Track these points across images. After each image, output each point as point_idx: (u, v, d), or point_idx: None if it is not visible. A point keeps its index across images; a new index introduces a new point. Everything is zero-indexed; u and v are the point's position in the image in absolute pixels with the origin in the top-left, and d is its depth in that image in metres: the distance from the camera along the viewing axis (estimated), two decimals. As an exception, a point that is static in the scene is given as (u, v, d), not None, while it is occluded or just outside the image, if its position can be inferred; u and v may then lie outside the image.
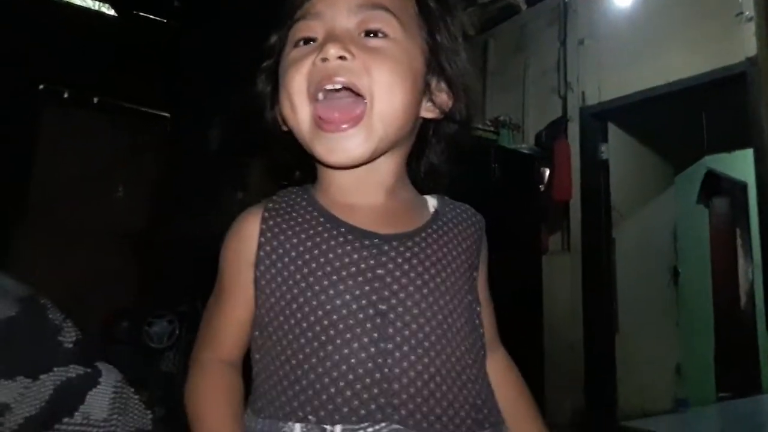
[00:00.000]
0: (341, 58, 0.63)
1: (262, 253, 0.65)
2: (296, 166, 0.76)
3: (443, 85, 0.71)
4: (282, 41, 0.72)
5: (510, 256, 2.80)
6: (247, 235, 0.67)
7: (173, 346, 2.66)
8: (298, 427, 0.58)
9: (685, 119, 3.55)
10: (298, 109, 0.66)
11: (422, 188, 0.76)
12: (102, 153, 3.84)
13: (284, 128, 0.72)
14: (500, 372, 0.74)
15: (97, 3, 4.11)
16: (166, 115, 4.11)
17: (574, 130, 3.42)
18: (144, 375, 2.57)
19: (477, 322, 0.69)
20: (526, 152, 3.37)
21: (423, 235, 0.68)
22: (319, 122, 0.65)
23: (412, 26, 0.69)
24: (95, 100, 3.89)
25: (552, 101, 3.56)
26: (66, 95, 3.78)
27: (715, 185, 4.45)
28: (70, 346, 0.71)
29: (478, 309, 0.70)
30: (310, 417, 0.58)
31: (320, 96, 0.65)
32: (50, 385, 0.68)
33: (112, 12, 4.15)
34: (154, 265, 3.49)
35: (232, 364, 0.68)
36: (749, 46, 2.63)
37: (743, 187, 4.71)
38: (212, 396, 0.66)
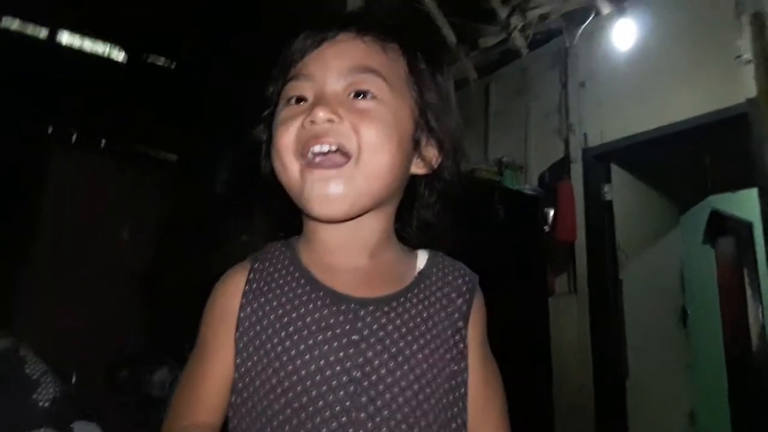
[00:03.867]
0: (329, 121, 0.65)
1: (242, 314, 0.65)
2: (290, 216, 0.75)
3: (433, 141, 0.72)
4: (276, 94, 0.74)
5: (516, 298, 2.78)
6: (230, 294, 0.67)
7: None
8: None
9: (689, 159, 3.56)
10: (288, 166, 0.67)
11: (415, 242, 0.75)
12: (109, 195, 3.87)
13: (279, 179, 0.72)
14: None
15: (108, 46, 4.20)
16: (173, 157, 4.15)
17: (577, 171, 3.43)
18: (146, 424, 2.52)
19: (463, 393, 0.66)
20: (530, 193, 3.37)
21: (402, 299, 0.66)
22: (308, 164, 0.66)
23: (401, 87, 0.70)
24: (103, 142, 3.95)
25: (554, 142, 3.58)
26: (74, 138, 3.83)
27: (720, 225, 4.43)
28: (46, 405, 0.67)
29: (465, 376, 0.66)
30: None
31: (309, 156, 0.66)
32: None
33: (121, 55, 4.24)
34: (158, 308, 3.47)
35: (215, 429, 0.65)
36: (750, 88, 2.65)
37: (748, 226, 4.67)
38: None
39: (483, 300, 0.74)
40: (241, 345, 0.64)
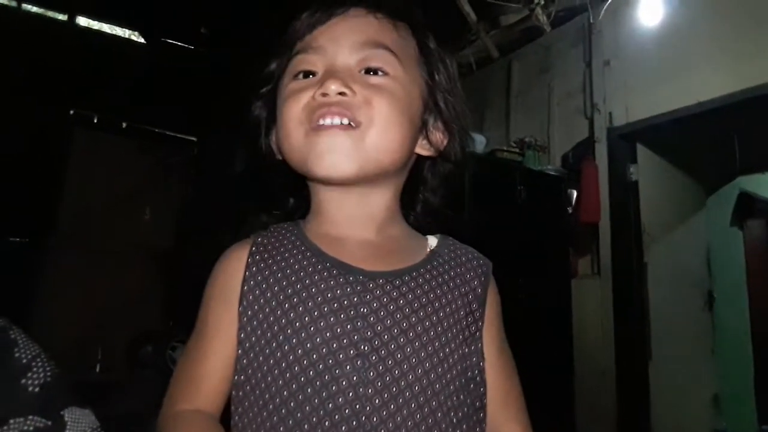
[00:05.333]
0: (341, 93, 0.63)
1: (245, 288, 0.63)
2: (290, 195, 0.74)
3: (439, 124, 0.72)
4: (281, 69, 0.72)
5: (538, 280, 2.75)
6: (233, 270, 0.65)
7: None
8: None
9: (717, 139, 3.47)
10: (292, 132, 0.66)
11: (423, 227, 0.74)
12: (130, 176, 3.91)
13: (278, 157, 0.71)
14: None
15: (127, 31, 4.21)
16: (193, 139, 4.17)
17: (601, 151, 3.36)
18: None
19: (475, 376, 0.64)
20: (553, 174, 3.31)
21: (414, 274, 0.65)
22: (314, 128, 0.64)
23: (411, 66, 0.70)
24: (124, 124, 3.98)
25: (578, 122, 3.51)
26: (96, 120, 3.87)
27: (749, 207, 4.32)
28: (36, 390, 0.63)
29: (481, 364, 0.65)
30: None
31: (315, 126, 0.64)
32: None
33: (141, 39, 4.25)
34: (180, 286, 3.51)
35: (214, 416, 0.62)
36: (783, 65, 2.56)
37: (779, 208, 4.57)
38: None
39: (497, 289, 0.72)
40: (245, 319, 0.62)
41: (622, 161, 3.32)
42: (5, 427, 0.61)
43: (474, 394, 0.63)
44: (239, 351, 0.61)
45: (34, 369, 0.64)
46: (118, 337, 3.38)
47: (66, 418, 0.65)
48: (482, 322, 0.67)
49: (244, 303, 0.62)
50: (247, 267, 0.64)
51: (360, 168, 0.63)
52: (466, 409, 0.61)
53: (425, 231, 0.74)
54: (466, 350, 0.63)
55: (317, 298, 0.60)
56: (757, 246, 4.50)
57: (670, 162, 3.58)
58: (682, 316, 3.49)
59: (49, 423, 0.64)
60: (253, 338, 0.61)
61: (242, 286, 0.63)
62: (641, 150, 3.38)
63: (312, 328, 0.59)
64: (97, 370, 3.58)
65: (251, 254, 0.65)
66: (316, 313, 0.59)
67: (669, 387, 3.23)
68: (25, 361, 0.65)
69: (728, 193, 4.17)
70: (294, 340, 0.59)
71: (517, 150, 3.32)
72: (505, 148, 3.29)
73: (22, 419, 0.62)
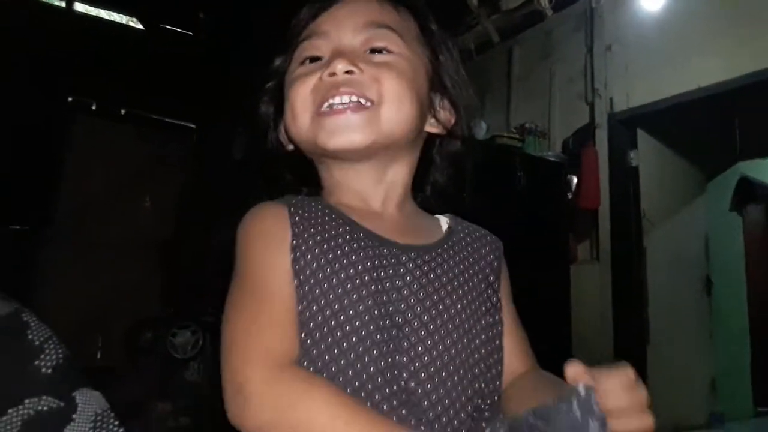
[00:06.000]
0: (349, 72, 0.64)
1: (294, 242, 0.61)
2: (302, 185, 0.73)
3: (446, 103, 0.73)
4: (287, 61, 0.73)
5: (537, 265, 2.75)
6: (280, 222, 0.62)
7: (197, 356, 2.67)
8: None
9: (717, 125, 3.46)
10: (300, 116, 0.66)
11: (432, 208, 0.76)
12: (129, 164, 3.89)
13: (289, 148, 0.72)
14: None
15: (125, 17, 4.18)
16: (192, 126, 4.15)
17: (602, 136, 3.35)
18: (168, 385, 2.58)
19: (497, 344, 0.66)
20: (553, 159, 3.31)
21: (439, 250, 0.67)
22: (321, 113, 0.64)
23: (415, 46, 0.71)
24: (122, 111, 3.95)
25: (579, 108, 3.50)
26: (94, 107, 3.84)
27: (749, 192, 4.32)
28: (49, 372, 0.64)
29: (499, 329, 0.67)
30: None
31: (325, 107, 0.65)
32: (18, 421, 0.61)
33: (139, 26, 4.21)
34: (180, 274, 3.51)
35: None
36: (784, 49, 2.55)
37: (779, 193, 4.57)
38: (329, 399, 0.53)
39: (506, 265, 0.75)
40: (299, 271, 0.60)
41: (623, 147, 3.32)
42: (20, 406, 0.62)
43: (495, 359, 0.66)
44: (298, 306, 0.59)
45: (47, 351, 0.65)
46: (118, 325, 3.39)
47: (77, 400, 0.66)
48: (500, 294, 0.70)
49: (297, 254, 0.60)
50: (293, 223, 0.62)
51: (373, 141, 0.64)
52: (489, 374, 0.64)
53: (430, 212, 0.76)
54: (490, 320, 0.66)
55: (354, 269, 0.60)
56: (756, 231, 4.52)
57: (670, 147, 3.57)
58: (680, 301, 3.51)
59: (62, 404, 0.65)
60: (309, 295, 0.59)
61: (292, 240, 0.61)
62: (642, 135, 3.37)
63: (345, 300, 0.58)
64: (98, 357, 3.60)
65: (291, 213, 0.63)
66: (349, 285, 0.59)
67: (667, 371, 3.25)
68: (37, 343, 0.66)
69: (728, 178, 4.17)
70: (336, 306, 0.58)
71: (518, 136, 3.31)
72: (505, 134, 3.28)
73: (36, 399, 0.63)
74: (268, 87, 0.76)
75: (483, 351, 0.64)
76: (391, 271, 0.61)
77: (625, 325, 3.18)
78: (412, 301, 0.61)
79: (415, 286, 0.62)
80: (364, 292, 0.59)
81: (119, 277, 3.61)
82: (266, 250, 0.62)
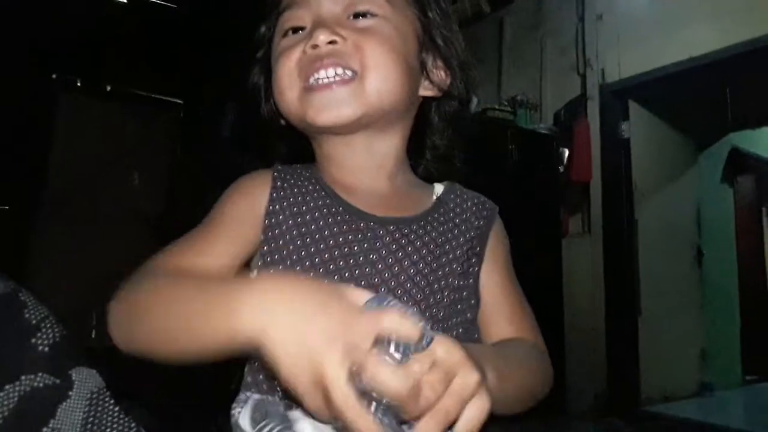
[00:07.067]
0: (331, 42, 0.62)
1: (271, 208, 0.63)
2: (296, 159, 0.73)
3: (439, 62, 0.70)
4: (271, 31, 0.71)
5: (529, 239, 2.74)
6: (260, 187, 0.65)
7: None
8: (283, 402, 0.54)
9: (709, 95, 3.44)
10: (287, 92, 0.65)
11: (432, 175, 0.74)
12: (116, 140, 3.84)
13: (281, 122, 0.71)
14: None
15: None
16: (179, 101, 4.10)
17: (593, 108, 3.33)
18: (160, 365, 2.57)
19: (468, 316, 0.65)
20: (545, 132, 3.29)
21: (421, 222, 0.65)
22: (308, 88, 0.63)
23: (401, 5, 0.68)
24: (108, 88, 3.89)
25: (571, 79, 3.47)
26: (79, 83, 3.78)
27: (740, 163, 4.33)
28: (45, 350, 0.65)
29: (472, 302, 0.65)
30: None
31: (311, 81, 0.63)
32: (15, 396, 0.62)
33: (123, -1, 4.13)
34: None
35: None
36: (777, 18, 2.52)
37: (769, 164, 4.58)
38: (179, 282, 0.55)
39: (505, 231, 0.73)
40: (270, 234, 0.62)
41: (614, 119, 3.31)
42: (17, 383, 0.63)
43: (464, 324, 0.63)
44: (260, 262, 0.61)
45: (43, 329, 0.66)
46: (106, 305, 3.38)
47: (74, 378, 0.67)
48: (482, 258, 0.67)
49: (272, 220, 0.62)
50: (273, 189, 0.64)
51: (362, 113, 0.63)
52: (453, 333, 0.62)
53: (431, 180, 0.74)
54: (461, 283, 0.64)
55: (329, 242, 0.61)
56: (746, 202, 4.54)
57: (662, 119, 3.56)
58: (671, 272, 3.54)
59: (58, 381, 0.65)
60: (275, 256, 0.60)
61: (268, 205, 0.63)
62: (633, 107, 3.36)
63: (321, 270, 0.59)
64: (93, 335, 3.60)
65: (274, 180, 0.65)
66: (326, 256, 0.60)
67: (658, 342, 3.29)
68: (34, 321, 0.66)
69: (719, 149, 4.18)
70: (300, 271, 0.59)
71: (509, 109, 3.28)
72: (496, 107, 3.25)
73: (33, 376, 0.64)
74: (257, 57, 0.74)
75: (453, 321, 0.62)
76: (366, 245, 0.61)
77: (617, 297, 3.20)
78: (386, 275, 0.60)
79: (390, 260, 0.61)
80: (336, 266, 0.59)
81: (111, 255, 3.58)
82: (235, 205, 0.65)
